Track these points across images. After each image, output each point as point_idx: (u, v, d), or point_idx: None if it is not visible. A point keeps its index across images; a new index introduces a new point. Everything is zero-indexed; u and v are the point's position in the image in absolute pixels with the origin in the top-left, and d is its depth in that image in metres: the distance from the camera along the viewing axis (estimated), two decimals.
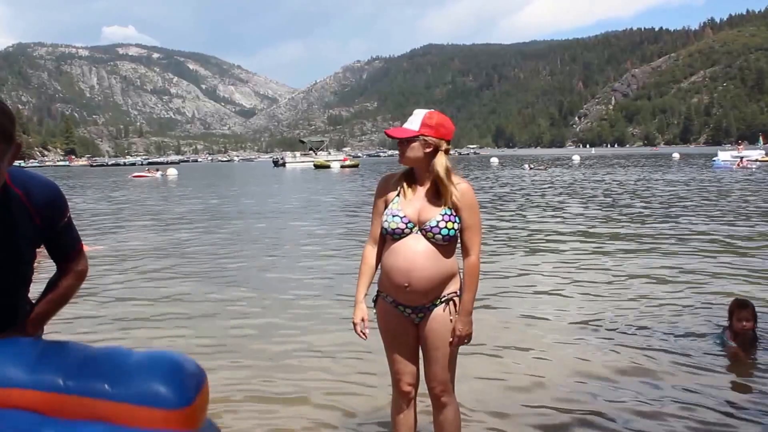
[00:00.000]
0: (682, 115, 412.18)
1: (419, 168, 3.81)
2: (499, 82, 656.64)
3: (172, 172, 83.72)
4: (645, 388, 5.83)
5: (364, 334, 3.90)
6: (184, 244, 16.57)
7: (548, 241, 15.65)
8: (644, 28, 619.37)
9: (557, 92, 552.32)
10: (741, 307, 6.74)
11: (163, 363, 2.00)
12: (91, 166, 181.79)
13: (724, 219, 19.42)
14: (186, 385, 1.93)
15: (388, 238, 3.84)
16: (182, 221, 22.78)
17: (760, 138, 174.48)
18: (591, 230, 17.55)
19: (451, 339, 3.83)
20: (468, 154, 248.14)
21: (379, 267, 4.00)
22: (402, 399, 4.05)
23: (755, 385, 5.93)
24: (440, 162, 3.76)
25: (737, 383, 6.01)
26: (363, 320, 3.91)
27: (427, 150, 3.75)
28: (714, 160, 70.74)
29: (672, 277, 10.83)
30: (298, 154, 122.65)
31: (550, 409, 5.41)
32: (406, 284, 3.74)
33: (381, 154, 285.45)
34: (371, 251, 3.98)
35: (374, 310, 4.03)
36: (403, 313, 3.90)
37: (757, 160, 66.30)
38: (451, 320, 3.83)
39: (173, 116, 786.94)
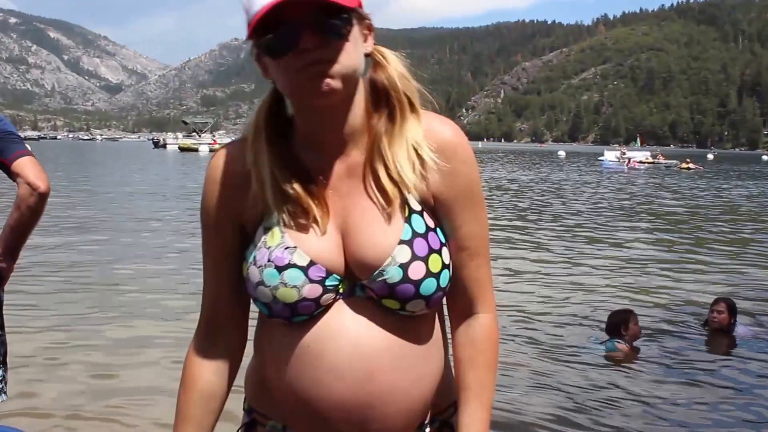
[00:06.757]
0: (571, 112, 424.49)
1: (336, 108, 1.41)
2: None
3: None
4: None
5: None
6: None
7: None
8: (537, 21, 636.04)
9: (445, 82, 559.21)
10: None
11: None
12: None
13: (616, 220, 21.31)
14: None
15: (273, 322, 1.49)
16: None
17: (638, 139, 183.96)
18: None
19: None
20: None
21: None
22: None
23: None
24: (397, 70, 1.48)
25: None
26: None
27: (366, 51, 1.46)
28: (601, 160, 74.33)
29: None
30: (180, 135, 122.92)
31: None
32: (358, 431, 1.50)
33: None
34: (204, 366, 1.59)
35: None
36: None
37: (642, 162, 70.37)
38: None
39: (30, 88, 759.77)
